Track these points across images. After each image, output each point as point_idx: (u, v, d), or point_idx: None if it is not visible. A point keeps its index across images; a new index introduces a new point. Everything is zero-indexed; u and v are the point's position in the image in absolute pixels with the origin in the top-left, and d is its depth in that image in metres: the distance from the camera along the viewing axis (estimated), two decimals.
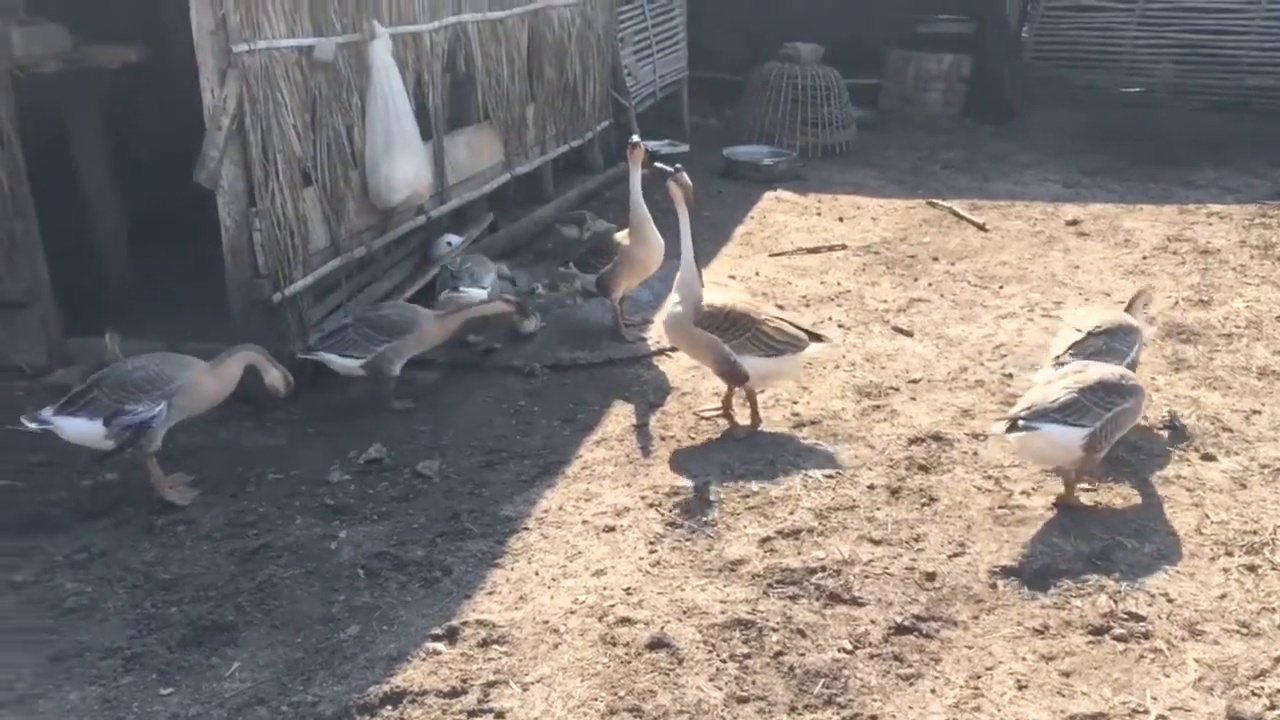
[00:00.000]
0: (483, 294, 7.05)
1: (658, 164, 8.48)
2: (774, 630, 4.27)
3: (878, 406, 6.24)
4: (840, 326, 7.44)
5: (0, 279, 6.37)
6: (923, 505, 5.20)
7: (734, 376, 5.79)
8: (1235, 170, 11.77)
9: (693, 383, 6.57)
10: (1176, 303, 7.79)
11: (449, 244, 7.98)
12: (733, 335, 5.70)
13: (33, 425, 5.13)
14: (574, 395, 6.49)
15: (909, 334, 7.30)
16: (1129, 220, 10.04)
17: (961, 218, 10.12)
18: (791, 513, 5.12)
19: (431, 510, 5.23)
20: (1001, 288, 8.24)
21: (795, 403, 6.29)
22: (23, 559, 4.89)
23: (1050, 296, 8.01)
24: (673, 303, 5.92)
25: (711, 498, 5.26)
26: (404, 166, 6.90)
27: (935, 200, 10.69)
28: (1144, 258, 8.94)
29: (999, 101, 14.21)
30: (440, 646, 4.22)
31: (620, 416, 6.21)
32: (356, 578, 4.69)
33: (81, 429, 5.14)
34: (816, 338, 5.87)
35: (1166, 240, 9.38)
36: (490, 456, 5.77)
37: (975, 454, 5.65)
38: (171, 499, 5.30)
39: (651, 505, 5.21)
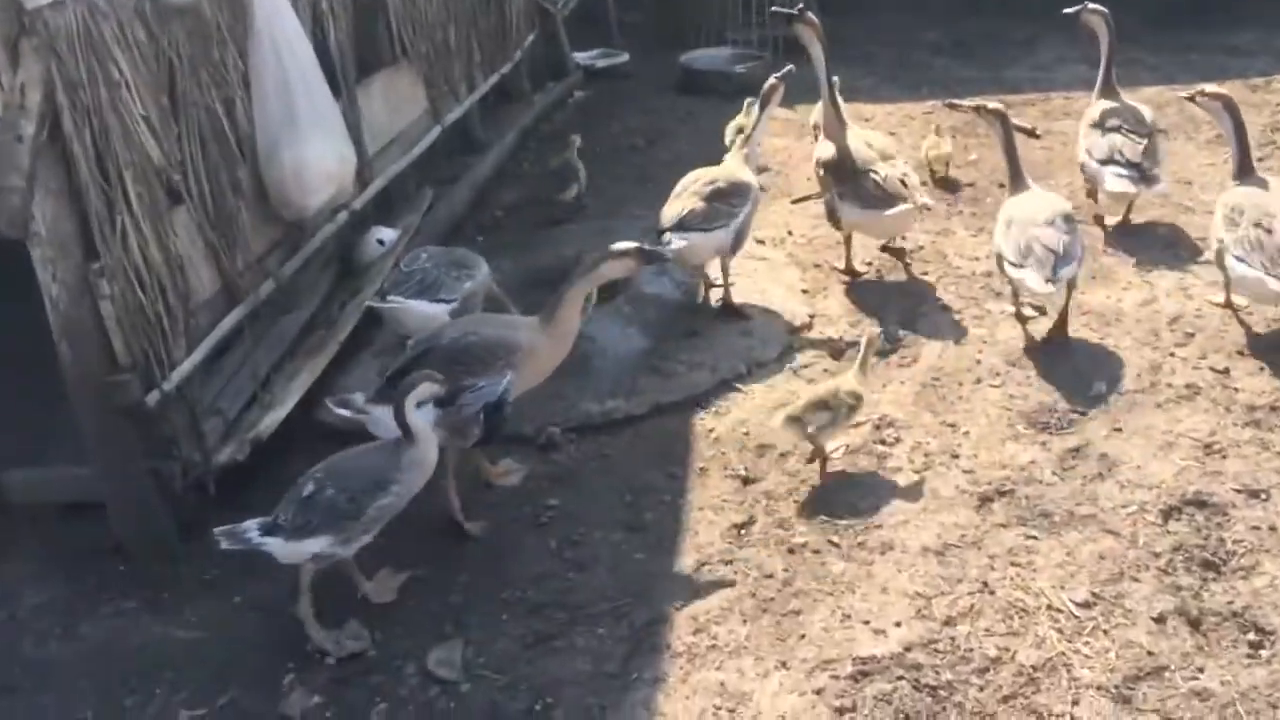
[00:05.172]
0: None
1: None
2: None
3: (1075, 451, 4.27)
4: (946, 309, 5.44)
5: None
6: (1250, 644, 3.31)
7: None
8: (1267, 27, 9.98)
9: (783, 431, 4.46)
10: None
11: (380, 243, 5.66)
12: None
13: (344, 412, 3.95)
14: (626, 476, 4.37)
15: (1041, 312, 5.32)
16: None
17: None
18: (1074, 702, 3.16)
19: None
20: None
21: (956, 455, 4.30)
22: None
23: (1190, 233, 6.07)
24: None
25: (932, 680, 3.25)
26: (318, 148, 4.54)
27: (955, 102, 8.62)
28: (1258, 159, 7.09)
29: None
30: None
31: (709, 512, 4.12)
32: None
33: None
34: None
35: (1265, 130, 7.57)
36: (539, 622, 3.65)
37: (1274, 529, 3.76)
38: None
39: (842, 712, 3.18)
